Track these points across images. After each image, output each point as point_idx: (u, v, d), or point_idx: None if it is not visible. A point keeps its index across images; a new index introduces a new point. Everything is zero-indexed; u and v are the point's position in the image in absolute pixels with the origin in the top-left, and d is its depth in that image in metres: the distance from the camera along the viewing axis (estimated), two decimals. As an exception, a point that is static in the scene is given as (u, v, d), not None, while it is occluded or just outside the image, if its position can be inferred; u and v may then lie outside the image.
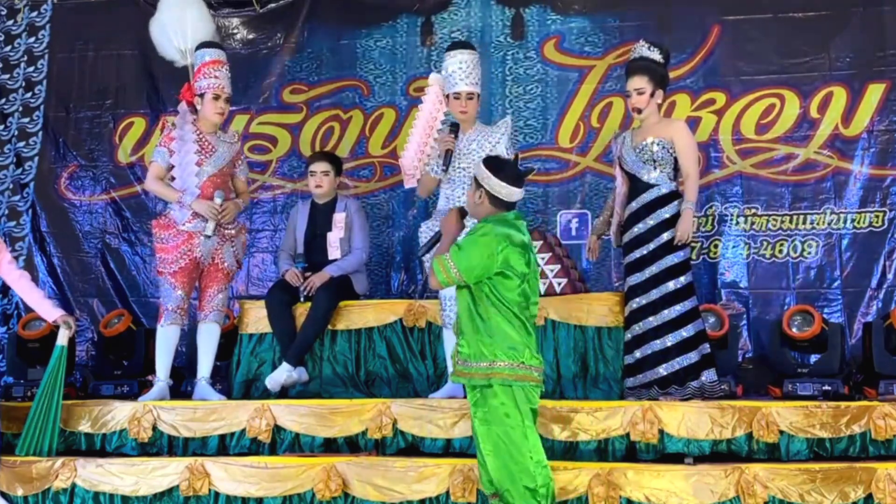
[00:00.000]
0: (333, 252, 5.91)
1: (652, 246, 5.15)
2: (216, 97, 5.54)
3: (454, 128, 5.38)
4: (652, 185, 5.20)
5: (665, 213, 5.16)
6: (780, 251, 6.44)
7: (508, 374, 3.94)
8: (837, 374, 5.49)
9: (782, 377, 5.48)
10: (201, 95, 5.54)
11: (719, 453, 4.84)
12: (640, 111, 5.25)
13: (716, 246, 6.52)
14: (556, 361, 5.49)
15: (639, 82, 5.22)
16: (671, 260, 5.12)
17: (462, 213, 4.22)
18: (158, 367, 5.56)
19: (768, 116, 6.55)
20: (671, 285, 5.10)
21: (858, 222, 6.37)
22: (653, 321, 5.11)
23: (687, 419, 4.81)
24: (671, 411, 4.84)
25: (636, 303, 5.17)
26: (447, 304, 5.34)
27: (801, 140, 6.50)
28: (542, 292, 5.60)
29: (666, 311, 5.08)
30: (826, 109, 6.47)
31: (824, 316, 5.96)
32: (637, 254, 5.19)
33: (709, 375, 5.08)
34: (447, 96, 5.41)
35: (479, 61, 5.44)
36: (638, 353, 5.14)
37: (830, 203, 6.41)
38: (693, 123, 6.59)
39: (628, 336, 5.23)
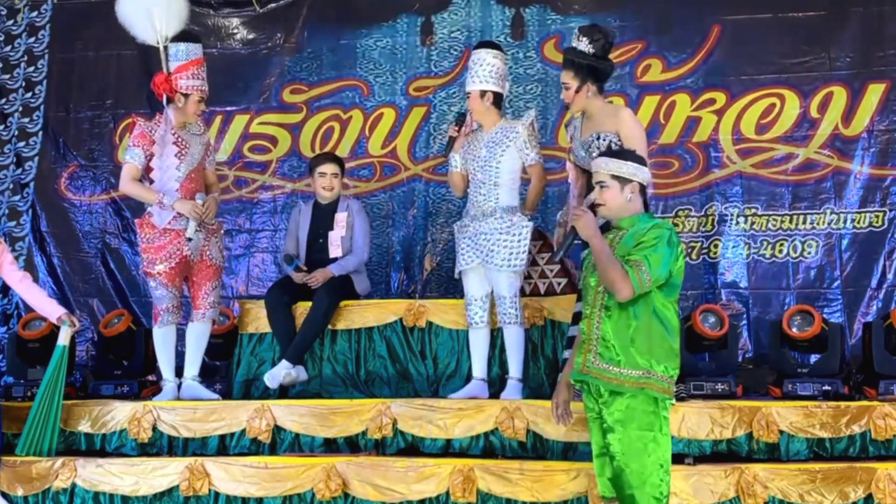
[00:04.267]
0: (335, 251, 5.92)
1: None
2: (201, 99, 5.48)
3: (461, 117, 5.40)
4: None
5: None
6: (780, 251, 6.44)
7: (659, 386, 3.83)
8: (837, 374, 5.49)
9: (782, 377, 5.48)
10: (185, 94, 5.44)
11: (719, 453, 4.83)
12: (567, 106, 5.13)
13: (716, 246, 6.52)
14: (556, 361, 5.49)
15: (564, 76, 5.03)
16: None
17: (594, 210, 4.01)
18: (163, 368, 5.54)
19: (768, 116, 6.55)
20: None
21: (858, 222, 6.37)
22: None
23: (687, 419, 4.81)
24: (671, 412, 4.82)
25: None
26: (476, 304, 5.31)
27: (801, 140, 6.50)
28: (542, 292, 5.63)
29: None
30: (826, 109, 6.47)
31: (824, 316, 5.96)
32: None
33: None
34: None
35: (487, 58, 5.32)
36: None
37: (830, 203, 6.41)
38: (693, 123, 6.62)
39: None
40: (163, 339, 5.50)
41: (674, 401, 3.93)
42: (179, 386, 5.55)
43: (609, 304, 3.90)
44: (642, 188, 4.01)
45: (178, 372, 5.62)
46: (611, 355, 3.86)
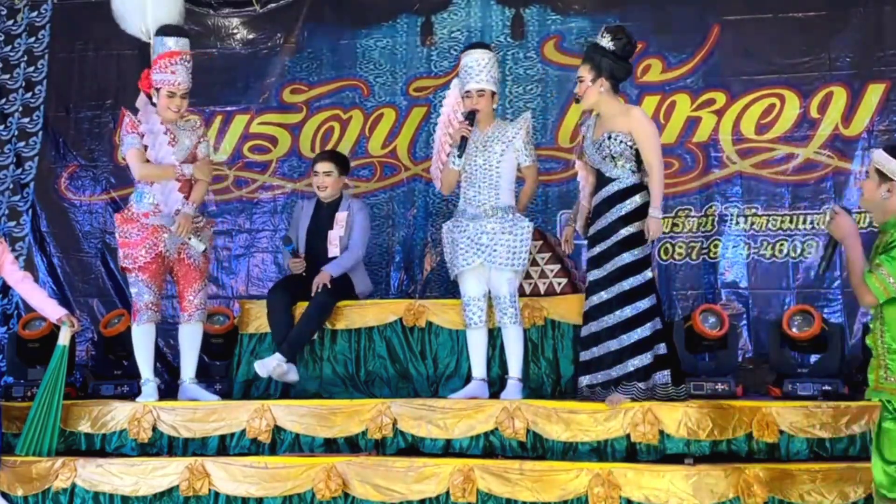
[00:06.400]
0: (333, 250, 5.90)
1: (610, 242, 4.98)
2: (171, 94, 5.35)
3: (470, 115, 5.36)
4: (613, 179, 5.05)
5: (625, 207, 4.99)
6: (780, 251, 6.44)
7: None
8: (837, 374, 5.48)
9: (782, 377, 5.48)
10: (157, 89, 5.36)
11: (719, 453, 4.84)
12: (577, 100, 5.21)
13: (716, 246, 6.52)
14: (556, 361, 5.51)
15: (581, 70, 5.11)
16: (627, 258, 4.95)
17: (849, 211, 3.96)
18: (141, 367, 5.49)
19: (768, 116, 6.55)
20: (626, 284, 4.93)
21: (858, 222, 6.33)
22: (608, 320, 4.95)
23: (687, 419, 4.81)
24: (671, 412, 4.84)
25: (594, 300, 5.02)
26: (474, 304, 5.32)
27: (801, 140, 6.50)
28: (542, 292, 5.63)
29: (619, 311, 4.92)
30: (826, 109, 6.47)
31: (824, 316, 5.96)
32: (597, 249, 5.04)
33: (660, 377, 4.92)
34: (463, 97, 5.43)
35: (492, 60, 5.39)
36: (595, 351, 5.00)
37: (830, 203, 6.40)
38: (693, 123, 6.62)
39: (586, 332, 5.07)
40: (141, 338, 5.45)
41: None
42: (169, 387, 5.53)
43: (885, 316, 3.82)
44: None
45: (176, 373, 5.60)
46: None
